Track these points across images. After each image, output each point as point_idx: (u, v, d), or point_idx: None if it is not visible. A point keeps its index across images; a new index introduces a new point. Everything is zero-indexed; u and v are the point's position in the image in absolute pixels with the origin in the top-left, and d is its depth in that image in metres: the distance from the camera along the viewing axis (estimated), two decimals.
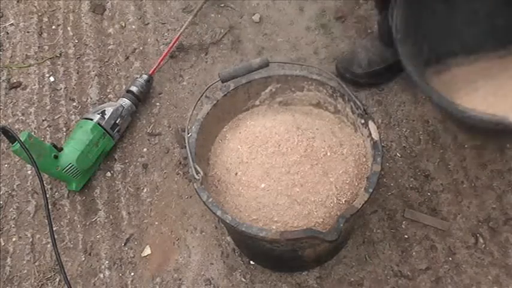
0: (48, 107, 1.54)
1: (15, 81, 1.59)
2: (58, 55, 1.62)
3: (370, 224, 1.29)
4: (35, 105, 1.54)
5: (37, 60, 1.62)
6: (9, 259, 1.32)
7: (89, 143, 1.34)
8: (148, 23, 1.66)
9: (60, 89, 1.57)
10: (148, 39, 1.63)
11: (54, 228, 1.35)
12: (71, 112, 1.52)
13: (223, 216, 1.01)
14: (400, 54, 1.07)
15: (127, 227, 1.34)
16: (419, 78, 1.06)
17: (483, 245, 1.25)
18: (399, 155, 1.38)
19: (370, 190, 1.00)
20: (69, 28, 1.67)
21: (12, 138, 1.17)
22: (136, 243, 1.32)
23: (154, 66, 1.51)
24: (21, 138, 1.17)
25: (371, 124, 1.08)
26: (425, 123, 1.42)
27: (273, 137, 1.13)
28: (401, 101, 1.47)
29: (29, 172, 1.43)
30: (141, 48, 1.62)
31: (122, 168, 1.42)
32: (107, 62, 1.60)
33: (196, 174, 1.02)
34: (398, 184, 1.34)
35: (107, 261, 1.30)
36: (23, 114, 1.53)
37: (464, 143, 1.37)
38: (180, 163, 1.42)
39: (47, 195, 1.39)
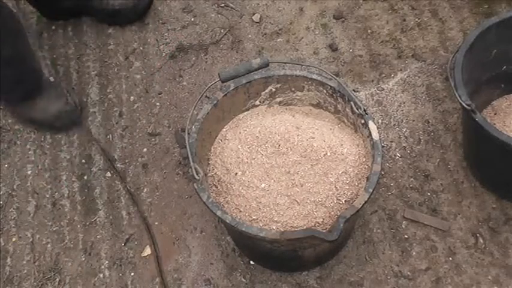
0: None
1: None
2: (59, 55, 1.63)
3: (370, 224, 1.29)
4: None
5: None
6: (9, 259, 1.32)
7: None
8: (148, 23, 1.66)
9: None
10: (149, 39, 1.63)
11: (54, 228, 1.35)
12: None
13: (223, 216, 1.01)
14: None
15: (127, 227, 1.34)
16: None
17: (483, 245, 1.25)
18: (399, 155, 1.38)
19: (370, 190, 1.00)
20: (69, 28, 1.67)
21: None
22: (136, 243, 1.32)
23: None
24: None
25: (371, 124, 1.08)
26: (425, 123, 1.42)
27: (272, 137, 1.13)
28: (401, 101, 1.47)
29: (29, 172, 1.43)
30: (141, 48, 1.62)
31: (121, 168, 1.42)
32: (106, 62, 1.60)
33: (196, 174, 1.02)
34: (398, 184, 1.34)
35: (107, 261, 1.30)
36: None
37: None
38: (180, 163, 1.42)
39: (47, 195, 1.39)
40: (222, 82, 1.12)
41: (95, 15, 1.65)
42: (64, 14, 1.66)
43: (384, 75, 1.51)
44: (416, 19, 1.60)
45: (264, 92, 1.20)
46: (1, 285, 1.29)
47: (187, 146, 1.05)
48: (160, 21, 1.67)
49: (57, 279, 1.29)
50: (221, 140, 1.18)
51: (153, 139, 1.47)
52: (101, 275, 1.29)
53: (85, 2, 1.61)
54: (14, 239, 1.35)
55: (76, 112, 1.48)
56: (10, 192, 1.41)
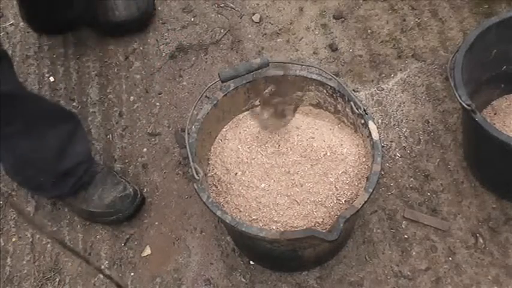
0: None
1: None
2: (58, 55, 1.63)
3: (370, 224, 1.29)
4: None
5: (37, 60, 1.62)
6: (9, 259, 1.32)
7: None
8: (148, 23, 1.66)
9: (60, 89, 1.57)
10: (149, 39, 1.63)
11: (54, 229, 1.35)
12: None
13: (223, 216, 1.01)
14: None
15: (127, 227, 1.34)
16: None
17: (483, 245, 1.25)
18: (399, 155, 1.38)
19: (370, 190, 1.00)
20: None
21: None
22: (136, 243, 1.32)
23: None
24: None
25: (371, 124, 1.08)
26: (425, 123, 1.42)
27: (272, 137, 1.13)
28: (401, 101, 1.47)
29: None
30: (141, 48, 1.62)
31: (121, 168, 1.42)
32: (106, 62, 1.60)
33: (196, 174, 1.02)
34: (398, 184, 1.34)
35: (107, 261, 1.30)
36: None
37: None
38: (180, 163, 1.42)
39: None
40: (222, 82, 1.12)
41: (96, 27, 1.61)
42: (61, 27, 1.61)
43: (383, 75, 1.51)
44: (416, 19, 1.60)
45: (264, 92, 1.20)
46: (1, 285, 1.29)
47: (187, 146, 1.05)
48: (160, 21, 1.66)
49: (57, 279, 1.29)
50: (221, 140, 1.18)
51: (153, 139, 1.47)
52: (101, 275, 1.29)
53: (87, 14, 1.55)
54: (14, 239, 1.35)
55: (136, 201, 1.32)
56: (10, 192, 1.41)
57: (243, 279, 1.25)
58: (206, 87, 1.14)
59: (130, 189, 1.31)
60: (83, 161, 1.28)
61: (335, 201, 1.06)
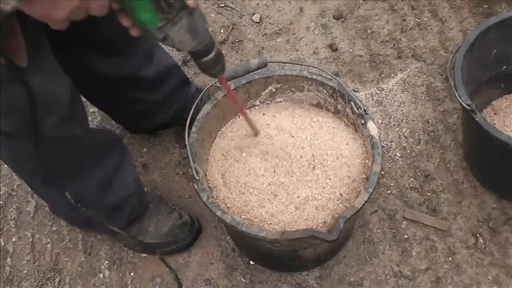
0: None
1: None
2: None
3: (370, 224, 1.29)
4: None
5: None
6: (9, 259, 1.32)
7: None
8: None
9: None
10: None
11: (54, 228, 1.35)
12: None
13: (223, 216, 1.00)
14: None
15: None
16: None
17: (483, 245, 1.25)
18: (399, 155, 1.38)
19: (370, 190, 1.00)
20: None
21: None
22: None
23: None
24: None
25: (371, 124, 1.08)
26: (425, 123, 1.42)
27: (272, 136, 1.13)
28: (401, 101, 1.47)
29: None
30: None
31: None
32: None
33: (196, 174, 1.02)
34: (398, 184, 1.34)
35: (107, 261, 1.30)
36: None
37: None
38: (180, 163, 1.42)
39: None
40: None
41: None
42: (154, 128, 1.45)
43: (383, 75, 1.52)
44: (416, 19, 1.60)
45: (264, 92, 1.20)
46: (1, 285, 1.29)
47: (187, 146, 1.04)
48: None
49: (57, 279, 1.29)
50: (221, 140, 1.18)
51: (153, 139, 1.46)
52: (101, 275, 1.29)
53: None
54: (14, 239, 1.35)
55: (195, 228, 1.28)
56: (10, 192, 1.41)
57: (243, 279, 1.25)
58: (206, 87, 1.14)
59: (187, 217, 1.27)
60: (134, 191, 1.22)
61: (338, 202, 1.05)
